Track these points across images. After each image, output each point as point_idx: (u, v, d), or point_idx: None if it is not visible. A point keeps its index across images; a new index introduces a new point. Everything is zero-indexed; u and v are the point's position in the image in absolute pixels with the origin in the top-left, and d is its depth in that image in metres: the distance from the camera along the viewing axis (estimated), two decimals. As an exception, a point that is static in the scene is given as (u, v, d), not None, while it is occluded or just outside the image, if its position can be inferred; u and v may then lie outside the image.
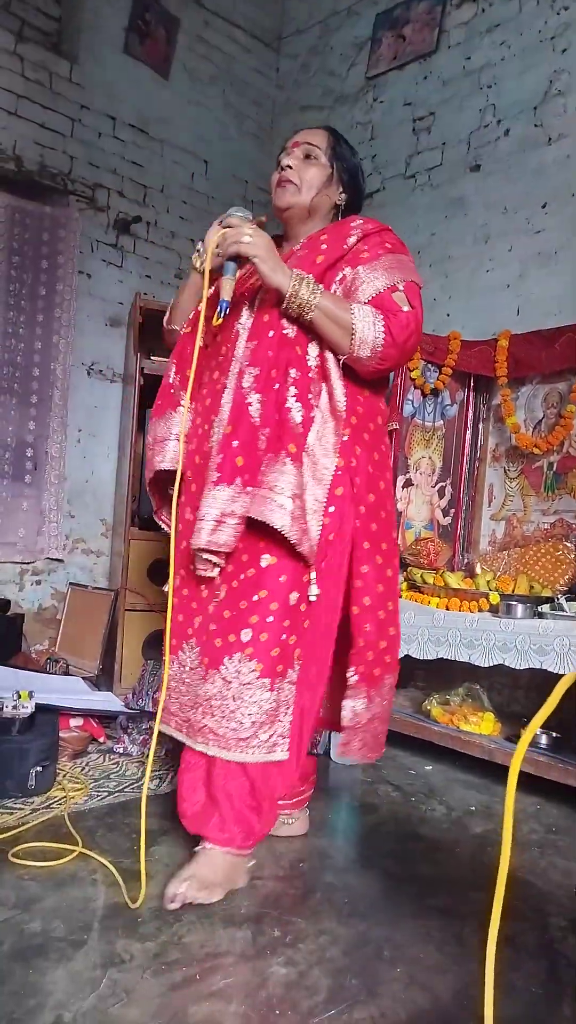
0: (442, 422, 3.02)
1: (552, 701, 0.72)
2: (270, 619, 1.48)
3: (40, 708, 2.05)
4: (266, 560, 1.51)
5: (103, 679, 3.05)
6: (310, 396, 1.54)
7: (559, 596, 2.36)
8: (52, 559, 3.53)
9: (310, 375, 1.55)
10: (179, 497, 1.62)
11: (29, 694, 2.03)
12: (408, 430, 2.90)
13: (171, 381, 1.73)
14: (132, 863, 1.54)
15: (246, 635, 1.49)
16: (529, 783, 2.21)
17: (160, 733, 1.59)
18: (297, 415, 1.51)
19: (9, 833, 1.63)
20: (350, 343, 1.51)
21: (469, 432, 3.06)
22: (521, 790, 2.24)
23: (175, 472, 1.61)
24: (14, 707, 1.96)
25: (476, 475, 3.08)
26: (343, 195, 1.73)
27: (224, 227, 1.54)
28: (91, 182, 3.62)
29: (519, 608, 2.28)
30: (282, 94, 4.43)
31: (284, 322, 1.55)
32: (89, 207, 3.62)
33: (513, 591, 2.53)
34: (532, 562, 2.70)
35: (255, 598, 1.50)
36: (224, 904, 1.42)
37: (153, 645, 2.95)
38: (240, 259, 1.51)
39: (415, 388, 2.89)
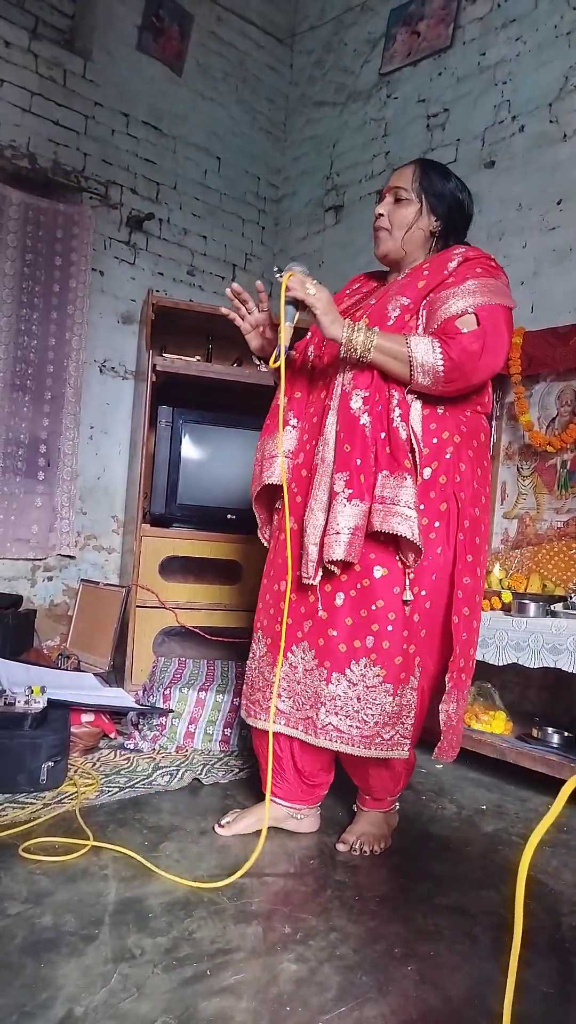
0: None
1: None
2: (390, 628, 1.60)
3: (52, 703, 2.06)
4: (379, 571, 1.61)
5: (114, 675, 3.06)
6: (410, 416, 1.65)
7: (572, 595, 2.34)
8: (64, 555, 3.55)
9: (408, 397, 1.64)
10: (283, 509, 1.77)
11: (41, 689, 2.04)
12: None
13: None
14: (143, 858, 1.54)
15: (370, 641, 1.61)
16: (542, 783, 2.21)
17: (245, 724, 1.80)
18: (403, 433, 1.60)
19: (21, 828, 1.64)
20: (410, 374, 1.59)
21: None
22: (533, 789, 2.23)
23: (279, 487, 1.76)
24: (26, 702, 1.97)
25: (489, 473, 3.06)
26: (437, 222, 1.78)
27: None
28: (104, 179, 3.63)
29: (532, 607, 2.26)
30: (295, 90, 4.42)
31: None
32: (102, 204, 3.63)
33: (526, 590, 2.52)
34: (545, 560, 2.68)
35: (373, 607, 1.61)
36: (235, 900, 1.42)
37: (163, 641, 2.96)
38: (300, 307, 1.61)
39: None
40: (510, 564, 2.80)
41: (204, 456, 3.13)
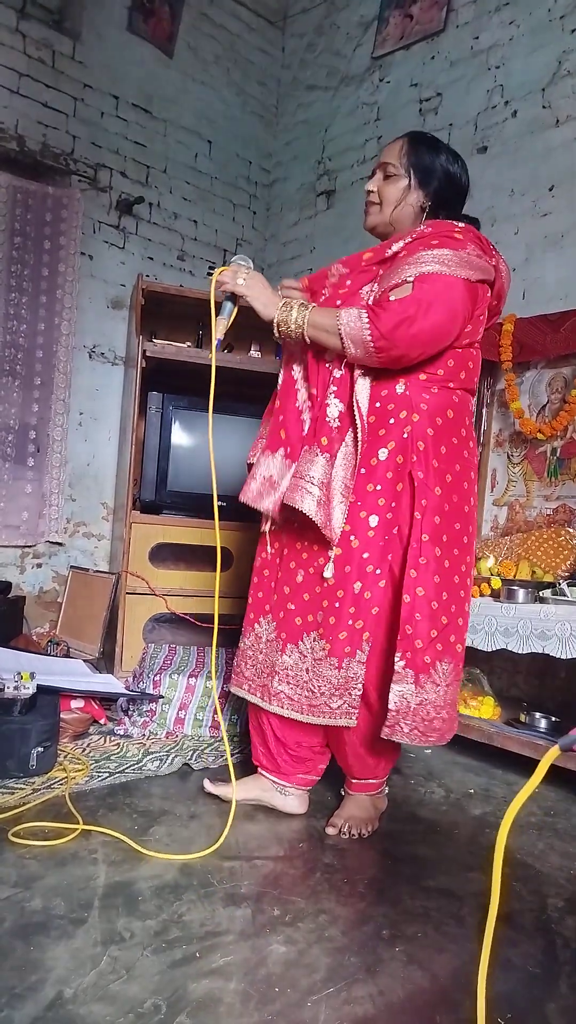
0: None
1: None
2: (337, 604, 1.65)
3: (41, 689, 2.05)
4: (333, 551, 1.66)
5: (104, 662, 3.06)
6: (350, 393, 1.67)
7: (561, 581, 2.35)
8: (53, 542, 3.54)
9: (356, 374, 1.66)
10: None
11: (31, 675, 2.03)
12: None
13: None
14: (132, 842, 1.55)
15: (320, 616, 1.68)
16: (529, 767, 2.22)
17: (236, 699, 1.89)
18: (334, 410, 1.65)
19: (10, 812, 1.64)
20: (343, 346, 1.61)
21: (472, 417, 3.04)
22: (521, 773, 2.25)
23: None
24: (16, 688, 1.97)
25: (479, 460, 3.06)
26: (427, 198, 1.74)
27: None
28: (93, 162, 3.60)
29: (521, 593, 2.28)
30: (287, 74, 4.38)
31: None
32: (91, 187, 3.59)
33: (515, 576, 2.53)
34: (534, 547, 2.70)
35: (325, 584, 1.67)
36: (224, 883, 1.43)
37: (153, 628, 2.96)
38: (237, 298, 1.68)
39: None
40: (500, 551, 2.81)
41: (194, 443, 3.12)
